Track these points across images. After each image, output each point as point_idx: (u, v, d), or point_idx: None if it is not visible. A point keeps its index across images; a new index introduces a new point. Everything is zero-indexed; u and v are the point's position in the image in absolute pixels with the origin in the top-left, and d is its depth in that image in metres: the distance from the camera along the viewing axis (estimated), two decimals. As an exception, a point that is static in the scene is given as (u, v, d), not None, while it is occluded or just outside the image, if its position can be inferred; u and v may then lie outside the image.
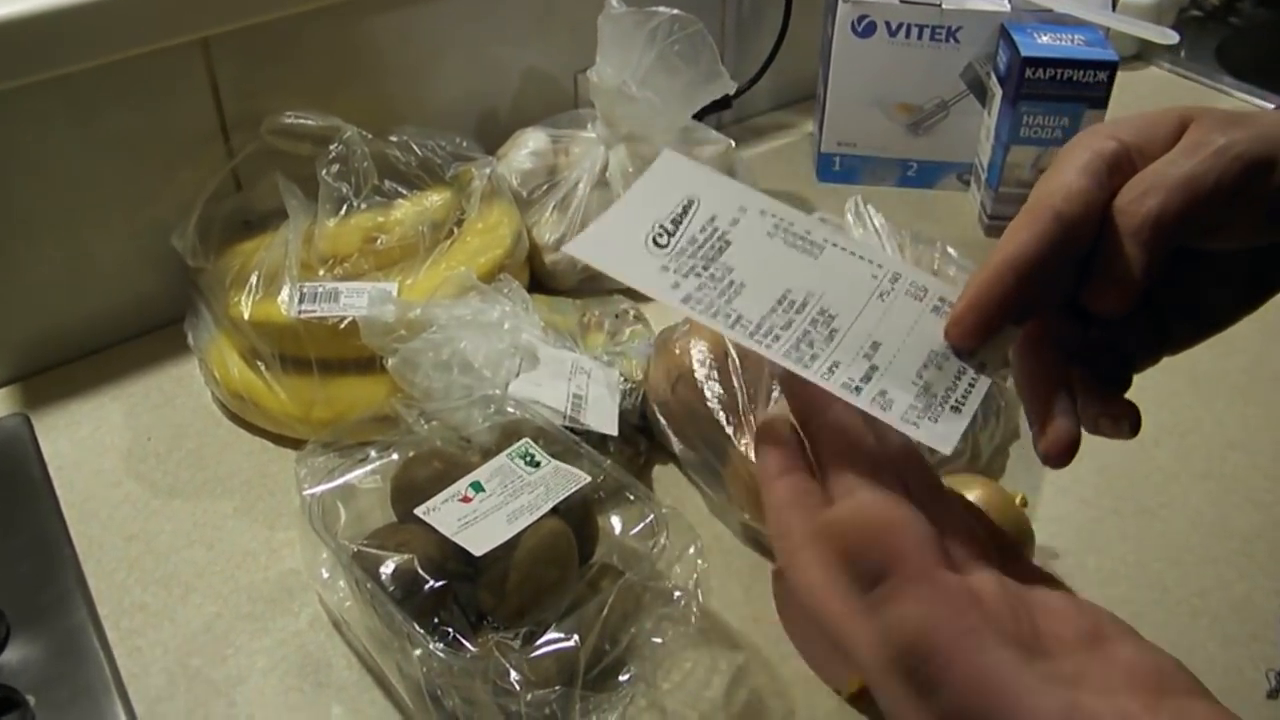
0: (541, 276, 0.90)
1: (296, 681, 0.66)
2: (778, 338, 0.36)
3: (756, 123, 1.15)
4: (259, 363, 0.79)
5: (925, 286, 0.39)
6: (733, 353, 0.72)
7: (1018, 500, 0.69)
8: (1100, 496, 0.77)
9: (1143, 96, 1.23)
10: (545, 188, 0.90)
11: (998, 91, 0.97)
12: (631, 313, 0.83)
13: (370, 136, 0.83)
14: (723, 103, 1.02)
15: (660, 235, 0.38)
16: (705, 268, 0.38)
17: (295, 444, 0.79)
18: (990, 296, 0.38)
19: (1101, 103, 0.93)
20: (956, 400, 0.36)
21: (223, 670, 0.67)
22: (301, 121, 0.82)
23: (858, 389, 0.35)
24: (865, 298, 0.38)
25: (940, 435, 0.35)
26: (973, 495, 0.67)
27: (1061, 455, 0.39)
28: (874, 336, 0.37)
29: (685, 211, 0.39)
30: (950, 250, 0.81)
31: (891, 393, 0.35)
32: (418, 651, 0.59)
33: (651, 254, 0.38)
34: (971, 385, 0.36)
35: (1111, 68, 0.92)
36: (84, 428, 0.83)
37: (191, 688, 0.66)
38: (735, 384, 0.71)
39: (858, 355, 0.36)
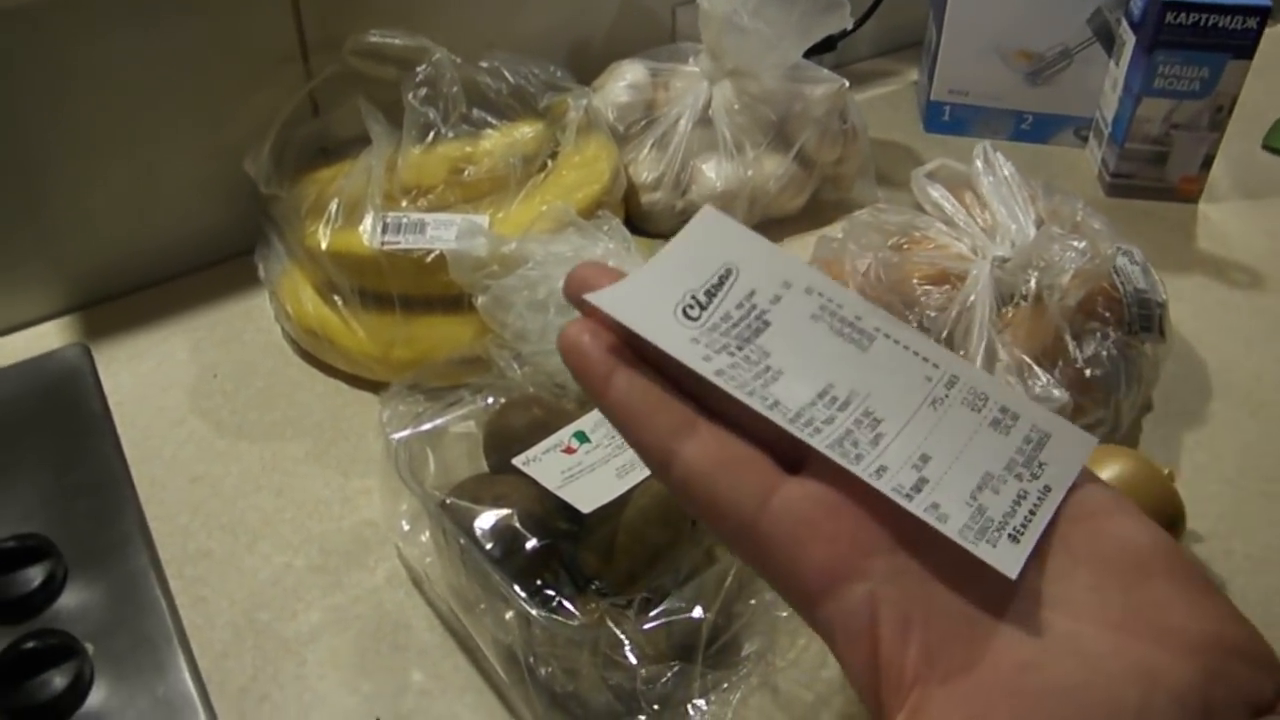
0: (637, 218, 0.84)
1: (372, 642, 0.61)
2: (819, 430, 0.32)
3: (858, 69, 1.08)
4: (335, 297, 0.73)
5: (985, 394, 0.34)
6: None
7: (1166, 473, 0.62)
8: (1244, 477, 0.70)
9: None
10: (643, 124, 0.84)
11: (1130, 39, 0.89)
12: (737, 259, 0.77)
13: (459, 61, 0.77)
14: (825, 45, 0.96)
15: (692, 307, 0.34)
16: (740, 348, 0.33)
17: (372, 386, 0.74)
18: None
19: (1248, 52, 0.85)
20: (1014, 529, 0.31)
21: (292, 626, 0.61)
22: (388, 41, 0.76)
23: (908, 496, 0.31)
24: (916, 403, 0.33)
25: (999, 559, 0.30)
26: (1117, 468, 0.61)
27: None
28: (924, 449, 0.32)
29: (722, 282, 0.35)
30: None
31: (944, 507, 0.31)
32: (513, 616, 0.53)
33: (681, 324, 0.33)
34: (1032, 513, 0.31)
35: (1263, 13, 0.84)
36: (146, 361, 0.78)
37: (259, 643, 0.61)
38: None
39: (905, 465, 0.31)
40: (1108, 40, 0.94)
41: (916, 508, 0.30)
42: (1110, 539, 0.31)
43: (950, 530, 0.30)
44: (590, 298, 0.33)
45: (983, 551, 0.30)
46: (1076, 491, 0.32)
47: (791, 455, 0.32)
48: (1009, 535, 0.31)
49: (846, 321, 0.34)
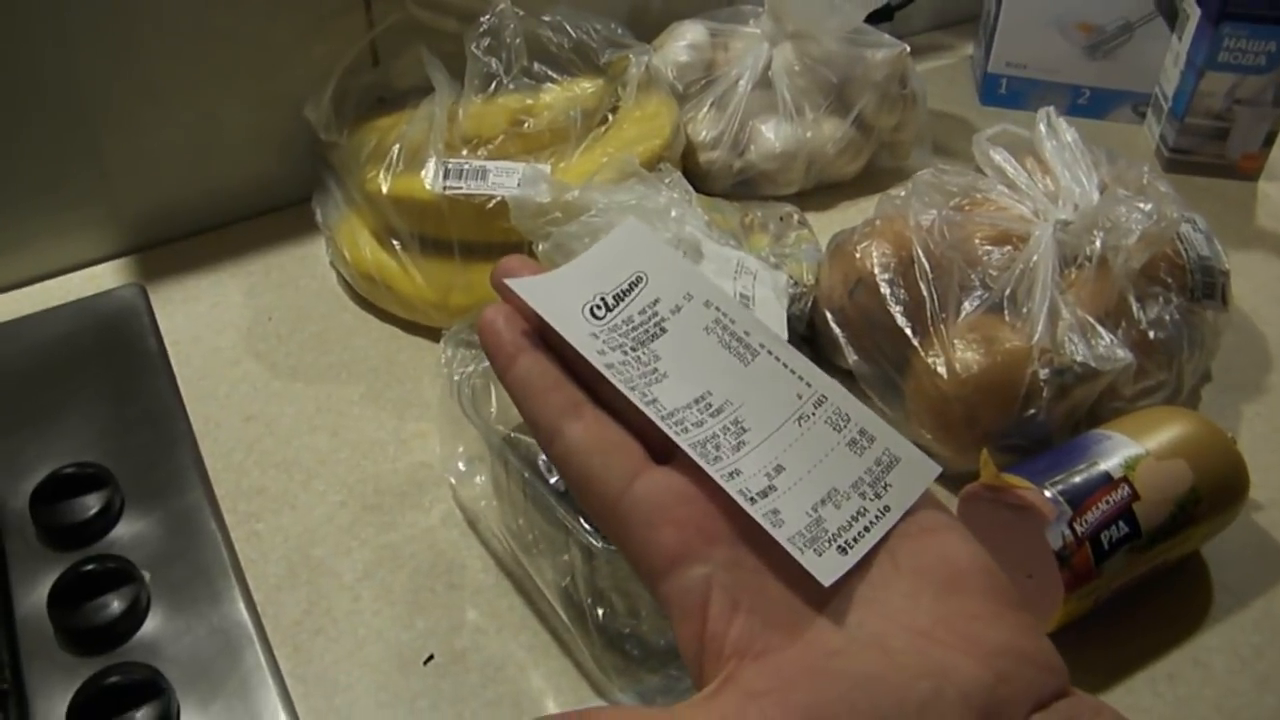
0: (695, 176, 0.83)
1: (427, 581, 0.61)
2: (687, 430, 0.35)
3: (913, 42, 1.06)
4: (394, 243, 0.73)
5: (849, 416, 0.37)
6: (920, 256, 0.65)
7: (1229, 437, 0.61)
8: (1309, 447, 0.69)
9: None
10: (702, 83, 0.83)
11: (1194, 11, 0.88)
12: (795, 216, 0.76)
13: (522, 14, 0.77)
14: (883, 14, 0.96)
15: (599, 307, 0.38)
16: (633, 349, 0.37)
17: (428, 332, 0.74)
18: None
19: (1316, 26, 0.84)
20: (845, 542, 0.34)
21: (347, 563, 0.62)
22: (452, -10, 0.76)
23: (752, 500, 0.34)
24: (782, 418, 0.36)
25: (819, 567, 0.33)
26: (1180, 429, 0.60)
27: None
28: (780, 460, 0.35)
29: (631, 288, 0.39)
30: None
31: (784, 514, 0.34)
32: (574, 553, 0.53)
33: (586, 321, 0.37)
34: (867, 529, 0.34)
35: (1333, -13, 0.83)
36: (202, 304, 0.78)
37: (314, 579, 0.61)
38: (923, 290, 0.64)
39: (758, 473, 0.35)
40: (1170, 14, 0.93)
41: (755, 511, 0.33)
42: (933, 554, 0.34)
43: (780, 536, 0.33)
44: (511, 283, 0.37)
45: (807, 559, 0.33)
46: (914, 512, 0.35)
47: (662, 449, 0.35)
48: (838, 547, 0.33)
49: (735, 336, 0.38)
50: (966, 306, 0.63)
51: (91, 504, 0.61)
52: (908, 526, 0.34)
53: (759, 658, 0.32)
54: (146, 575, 0.59)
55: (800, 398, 0.37)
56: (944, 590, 0.33)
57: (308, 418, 0.69)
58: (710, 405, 0.36)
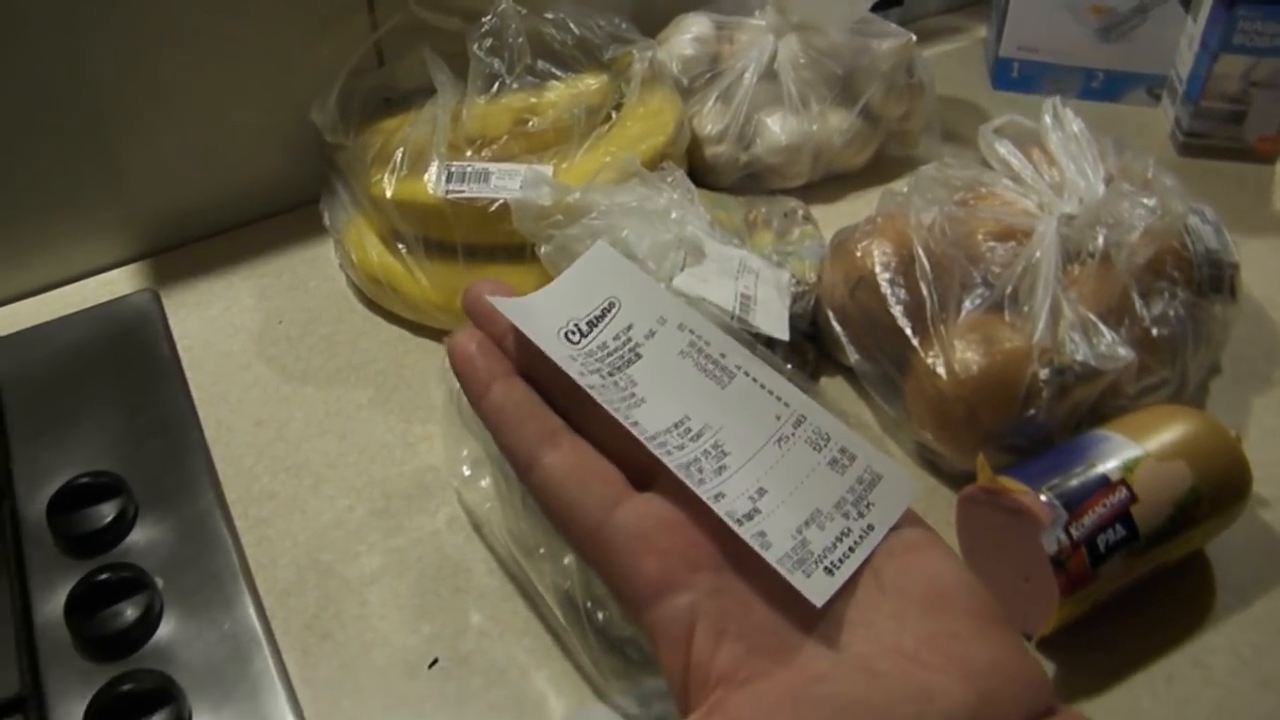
0: (700, 171, 0.83)
1: (433, 584, 0.62)
2: (670, 453, 0.35)
3: (924, 25, 1.06)
4: (400, 246, 0.73)
5: (828, 435, 0.37)
6: (920, 256, 0.65)
7: (1233, 435, 0.61)
8: (1317, 443, 0.69)
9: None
10: (708, 77, 0.83)
11: (1209, -7, 0.87)
12: (800, 212, 0.76)
13: (524, 12, 0.77)
14: (893, 0, 0.95)
15: (573, 333, 0.38)
16: (610, 374, 0.37)
17: (434, 334, 0.75)
18: None
19: (1333, 6, 0.83)
20: (831, 563, 0.34)
21: (355, 568, 0.63)
22: (454, -10, 0.77)
23: (739, 522, 0.34)
24: (762, 440, 0.36)
25: (810, 588, 0.33)
26: (1182, 429, 0.60)
27: None
28: (762, 483, 0.35)
29: (605, 314, 0.39)
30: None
31: (770, 536, 0.34)
32: (572, 559, 0.54)
33: (564, 344, 0.37)
34: (852, 549, 0.34)
35: (1350, -33, 0.82)
36: (214, 307, 0.79)
37: (322, 583, 0.62)
38: (923, 290, 0.64)
39: (741, 496, 0.34)
40: (1185, -5, 0.92)
41: (745, 533, 0.33)
42: (918, 574, 0.34)
43: (771, 558, 0.33)
44: (495, 301, 0.38)
45: (797, 580, 0.33)
46: (897, 529, 0.35)
47: (641, 478, 0.35)
48: (825, 568, 0.33)
49: (711, 359, 0.38)
50: (967, 305, 0.63)
51: (106, 512, 0.62)
52: (891, 544, 0.34)
53: (744, 685, 0.32)
54: (159, 582, 0.60)
55: (779, 419, 0.37)
56: (929, 610, 0.33)
57: (317, 421, 0.70)
58: (690, 430, 0.36)
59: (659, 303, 0.39)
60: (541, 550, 0.57)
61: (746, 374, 0.38)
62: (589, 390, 0.36)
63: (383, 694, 0.57)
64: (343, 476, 0.67)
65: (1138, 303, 0.65)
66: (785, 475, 0.36)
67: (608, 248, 0.41)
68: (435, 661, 0.58)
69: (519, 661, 0.58)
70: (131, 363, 0.73)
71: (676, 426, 0.36)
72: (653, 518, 0.34)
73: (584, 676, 0.57)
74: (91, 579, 0.59)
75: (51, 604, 0.59)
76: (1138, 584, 0.57)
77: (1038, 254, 0.64)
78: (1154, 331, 0.64)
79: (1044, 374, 0.61)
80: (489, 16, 0.76)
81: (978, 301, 0.64)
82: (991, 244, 0.66)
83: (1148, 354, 0.64)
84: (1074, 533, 0.53)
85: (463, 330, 0.39)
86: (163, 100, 0.78)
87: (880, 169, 0.88)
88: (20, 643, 0.57)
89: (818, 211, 0.79)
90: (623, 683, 0.56)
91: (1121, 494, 0.55)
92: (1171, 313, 0.65)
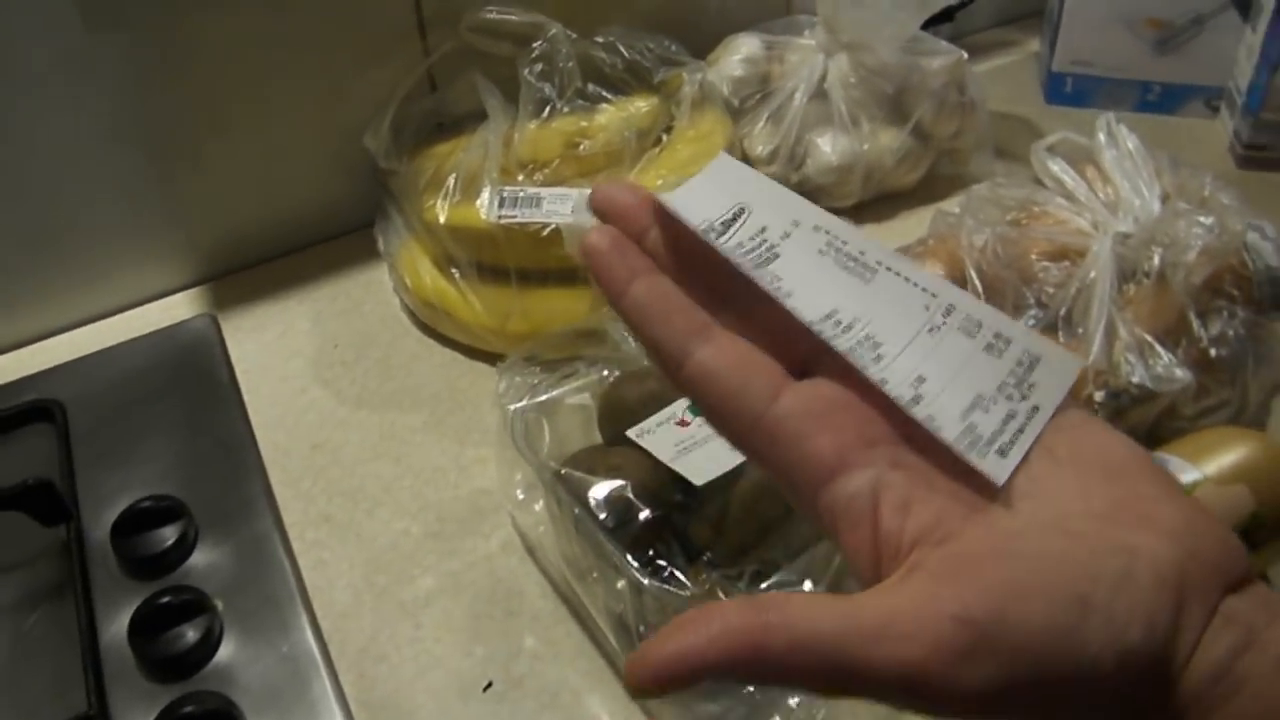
0: (750, 192, 0.83)
1: (486, 608, 0.62)
2: (833, 340, 0.34)
3: (976, 40, 1.06)
4: (453, 270, 0.74)
5: (980, 321, 0.36)
6: (973, 277, 0.64)
7: (1296, 459, 0.60)
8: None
9: None
10: (758, 97, 0.84)
11: (1269, 2, 0.86)
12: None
13: (575, 36, 0.78)
14: (944, 15, 0.94)
15: (711, 232, 0.37)
16: (754, 269, 0.36)
17: (488, 357, 0.75)
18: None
19: (1395, 18, 0.82)
20: (1002, 445, 0.33)
21: (410, 590, 0.63)
22: (504, 17, 0.77)
23: (908, 405, 0.33)
24: (915, 330, 0.35)
25: (988, 467, 0.32)
26: (1242, 451, 0.59)
27: None
28: (920, 371, 0.34)
29: (736, 218, 0.38)
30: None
31: (939, 421, 0.33)
32: (625, 585, 0.54)
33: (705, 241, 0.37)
34: (1020, 431, 0.33)
35: None
36: (270, 332, 0.80)
37: (378, 606, 0.63)
38: (976, 313, 0.63)
39: (903, 384, 0.34)
40: (1243, 5, 0.90)
41: (918, 414, 0.33)
42: (1091, 446, 0.33)
43: (946, 438, 0.32)
44: (661, 197, 0.36)
45: (974, 459, 0.32)
46: (1061, 409, 0.34)
47: (797, 370, 0.34)
48: (997, 450, 0.33)
49: (851, 256, 0.37)
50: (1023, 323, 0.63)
51: (168, 535, 0.63)
52: (1057, 422, 0.33)
53: (942, 543, 0.31)
54: (219, 604, 0.61)
55: (928, 309, 0.36)
56: (1111, 477, 0.32)
57: (372, 445, 0.71)
58: (840, 322, 0.35)
59: (791, 206, 0.38)
60: (595, 574, 0.58)
61: (889, 269, 0.37)
62: (751, 274, 0.35)
63: (438, 717, 0.58)
64: (397, 500, 0.68)
65: (1195, 323, 0.64)
66: (942, 362, 0.35)
67: (731, 158, 0.40)
68: (490, 685, 0.59)
69: (572, 684, 0.58)
70: (191, 387, 0.74)
71: (828, 318, 0.35)
72: (821, 399, 0.33)
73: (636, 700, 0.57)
74: (154, 601, 0.60)
75: (116, 625, 0.60)
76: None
77: (1092, 274, 0.64)
78: (1212, 352, 0.63)
79: (1099, 396, 0.60)
80: (539, 41, 0.76)
81: (1031, 323, 0.63)
82: (1045, 264, 0.66)
83: (1206, 375, 0.63)
84: (1132, 559, 0.53)
85: (594, 228, 0.36)
86: (220, 130, 0.79)
87: (932, 187, 0.88)
88: (88, 663, 0.58)
89: (869, 231, 0.79)
90: (677, 708, 0.56)
91: (1180, 519, 0.54)
92: (1230, 332, 0.64)
